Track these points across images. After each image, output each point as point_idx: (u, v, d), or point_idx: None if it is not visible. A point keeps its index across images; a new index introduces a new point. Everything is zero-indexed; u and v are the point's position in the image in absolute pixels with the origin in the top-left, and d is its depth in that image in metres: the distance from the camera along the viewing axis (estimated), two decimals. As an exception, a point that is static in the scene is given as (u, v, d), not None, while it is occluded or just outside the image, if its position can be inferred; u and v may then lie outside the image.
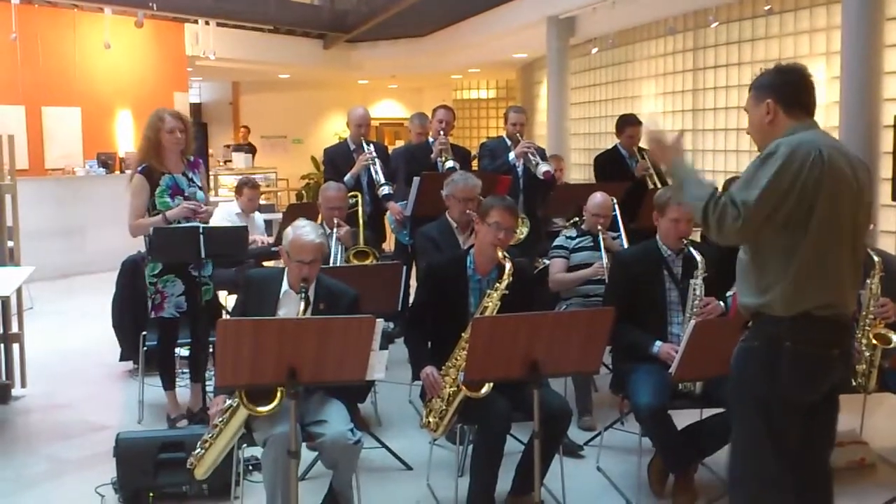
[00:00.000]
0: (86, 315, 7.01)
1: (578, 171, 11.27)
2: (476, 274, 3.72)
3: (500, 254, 3.58)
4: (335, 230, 4.85)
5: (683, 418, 3.81)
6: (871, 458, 4.10)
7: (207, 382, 4.52)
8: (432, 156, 5.89)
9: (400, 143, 17.83)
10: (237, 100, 15.90)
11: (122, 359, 5.61)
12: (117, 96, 10.85)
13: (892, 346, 3.85)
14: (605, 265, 4.77)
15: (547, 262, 5.31)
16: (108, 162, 9.84)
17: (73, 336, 6.66)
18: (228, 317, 4.22)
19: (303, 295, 3.26)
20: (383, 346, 3.31)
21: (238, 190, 6.60)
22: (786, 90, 2.70)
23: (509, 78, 15.73)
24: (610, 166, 6.50)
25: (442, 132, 5.89)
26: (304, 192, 15.40)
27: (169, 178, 4.42)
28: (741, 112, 8.29)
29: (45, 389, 5.24)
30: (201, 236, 4.19)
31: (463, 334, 3.42)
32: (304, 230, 3.43)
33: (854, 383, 3.85)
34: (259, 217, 6.83)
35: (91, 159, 9.90)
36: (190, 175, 4.52)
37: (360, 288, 3.65)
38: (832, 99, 6.98)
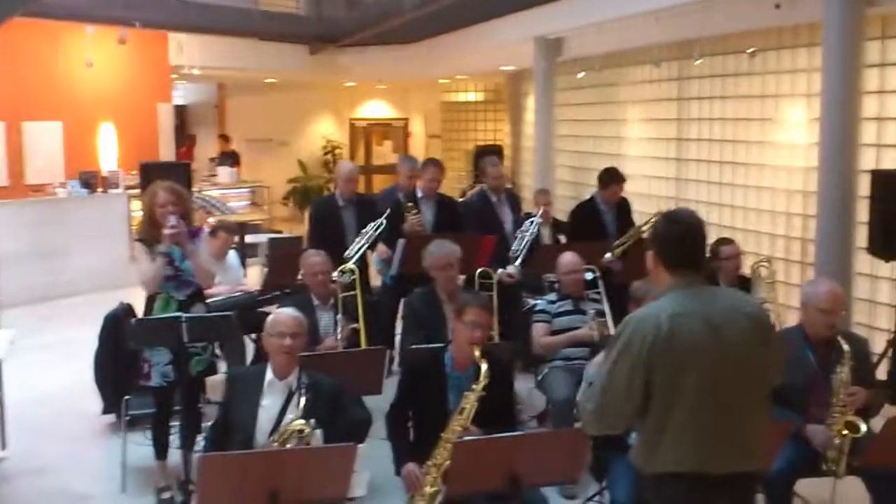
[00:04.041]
0: (68, 349, 6.97)
1: (565, 188, 11.29)
2: (454, 371, 3.75)
3: (476, 353, 3.62)
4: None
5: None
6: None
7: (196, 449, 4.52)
8: (405, 226, 5.87)
9: (388, 143, 17.96)
10: (223, 102, 15.75)
11: (104, 412, 5.61)
12: (99, 109, 10.73)
13: (860, 434, 3.94)
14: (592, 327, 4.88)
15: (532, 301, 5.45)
16: (90, 181, 9.74)
17: (55, 377, 6.60)
18: (210, 420, 4.19)
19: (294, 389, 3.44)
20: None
21: (213, 233, 6.31)
22: (666, 245, 2.61)
23: (497, 81, 15.68)
24: (586, 220, 6.58)
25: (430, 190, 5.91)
26: (290, 196, 15.34)
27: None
28: (724, 144, 8.42)
29: (25, 448, 5.23)
30: (183, 325, 4.17)
31: (442, 434, 3.47)
32: (282, 309, 3.64)
33: (824, 467, 3.95)
34: (233, 256, 6.64)
35: (73, 178, 9.78)
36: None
37: (344, 372, 3.70)
38: (812, 140, 7.03)
